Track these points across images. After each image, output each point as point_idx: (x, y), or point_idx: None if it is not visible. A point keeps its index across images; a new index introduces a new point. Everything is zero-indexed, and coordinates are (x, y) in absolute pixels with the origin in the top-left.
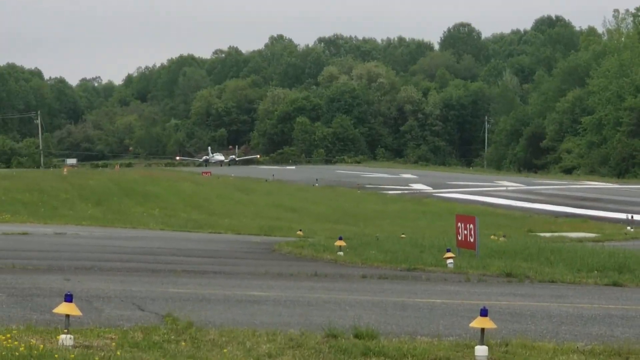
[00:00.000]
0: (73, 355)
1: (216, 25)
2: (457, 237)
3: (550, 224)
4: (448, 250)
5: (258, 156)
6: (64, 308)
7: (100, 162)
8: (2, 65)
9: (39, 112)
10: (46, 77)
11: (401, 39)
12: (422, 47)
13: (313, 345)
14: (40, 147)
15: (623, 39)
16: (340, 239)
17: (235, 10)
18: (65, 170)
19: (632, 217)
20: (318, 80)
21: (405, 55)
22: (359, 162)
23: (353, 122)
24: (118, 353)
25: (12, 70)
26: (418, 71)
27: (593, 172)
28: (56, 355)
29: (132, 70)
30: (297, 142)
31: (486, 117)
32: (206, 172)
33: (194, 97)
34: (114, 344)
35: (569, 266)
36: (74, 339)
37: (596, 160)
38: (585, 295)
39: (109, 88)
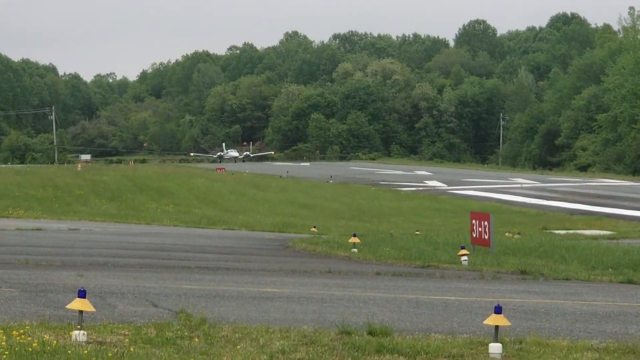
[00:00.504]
0: (86, 351)
1: (231, 22)
2: (471, 234)
3: (565, 221)
4: (462, 248)
5: (272, 152)
6: (77, 304)
7: (114, 158)
8: (16, 60)
9: (53, 108)
10: (60, 72)
11: (416, 36)
12: (437, 44)
13: (326, 342)
14: (55, 143)
15: (639, 36)
16: (354, 235)
17: (250, 7)
18: (79, 166)
19: None
20: (333, 77)
21: (421, 52)
22: (373, 159)
23: (368, 119)
24: (131, 349)
25: (26, 65)
26: (433, 68)
27: (608, 169)
28: (69, 351)
29: (146, 66)
30: (312, 138)
31: (501, 114)
32: (220, 169)
33: (209, 94)
34: (127, 340)
35: (584, 264)
36: (87, 335)
37: (611, 157)
38: (600, 292)
39: (124, 84)
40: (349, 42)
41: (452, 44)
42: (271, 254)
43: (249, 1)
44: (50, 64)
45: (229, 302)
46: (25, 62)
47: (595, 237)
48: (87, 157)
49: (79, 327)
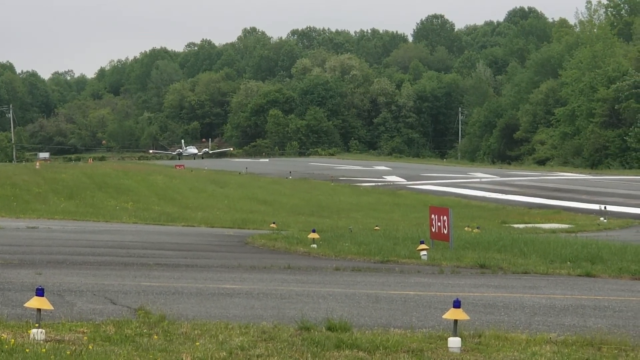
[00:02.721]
0: (44, 350)
1: (189, 19)
2: (430, 229)
3: (524, 215)
4: (422, 242)
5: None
6: (35, 302)
7: (73, 156)
8: None
9: (10, 106)
10: (18, 70)
11: (374, 31)
12: (395, 39)
13: (286, 338)
14: (13, 141)
15: (595, 30)
16: (314, 231)
17: (208, 3)
18: (37, 164)
19: (605, 208)
20: (291, 73)
21: (379, 47)
22: (332, 155)
23: (326, 115)
24: (90, 347)
25: None
26: (391, 63)
27: (566, 163)
28: (27, 350)
29: (104, 63)
30: (271, 134)
31: (460, 109)
32: (179, 165)
33: (167, 91)
34: (85, 337)
35: (542, 257)
36: (46, 333)
37: (569, 151)
38: (558, 286)
39: (82, 82)
40: (307, 37)
41: (410, 39)
42: (230, 251)
43: None
44: (7, 61)
45: (188, 299)
46: None
47: (553, 231)
48: (45, 155)
49: (37, 325)
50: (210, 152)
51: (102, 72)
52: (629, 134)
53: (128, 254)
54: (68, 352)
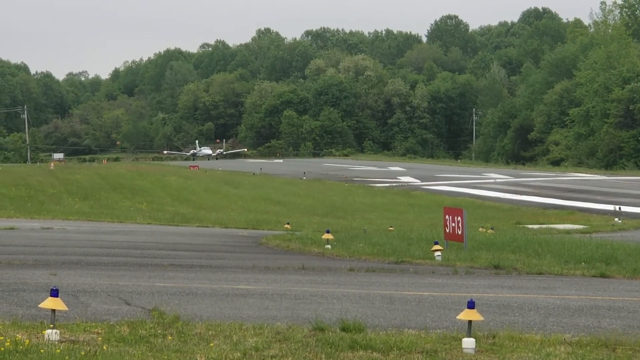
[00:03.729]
0: (59, 350)
1: (203, 19)
2: (445, 230)
3: (538, 215)
4: (436, 243)
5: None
6: (50, 303)
7: (87, 157)
8: None
9: (25, 107)
10: (32, 71)
11: (388, 32)
12: (409, 40)
13: (300, 339)
14: (27, 142)
15: (610, 30)
16: (328, 232)
17: (222, 4)
18: (52, 165)
19: (619, 208)
20: (305, 74)
21: (393, 48)
22: (346, 155)
23: (340, 115)
24: (104, 348)
25: None
26: (405, 64)
27: (581, 163)
28: (42, 350)
29: (119, 64)
30: (285, 135)
31: (474, 110)
32: (194, 166)
33: (181, 91)
34: (100, 338)
35: (557, 258)
36: (60, 333)
37: (584, 152)
38: (573, 286)
39: (96, 82)
40: (321, 38)
41: (424, 39)
42: (244, 251)
43: None
44: (22, 62)
45: (203, 300)
46: None
47: (568, 232)
48: (59, 155)
49: (51, 326)
50: (225, 152)
51: (116, 73)
52: None
53: (142, 254)
54: (82, 353)
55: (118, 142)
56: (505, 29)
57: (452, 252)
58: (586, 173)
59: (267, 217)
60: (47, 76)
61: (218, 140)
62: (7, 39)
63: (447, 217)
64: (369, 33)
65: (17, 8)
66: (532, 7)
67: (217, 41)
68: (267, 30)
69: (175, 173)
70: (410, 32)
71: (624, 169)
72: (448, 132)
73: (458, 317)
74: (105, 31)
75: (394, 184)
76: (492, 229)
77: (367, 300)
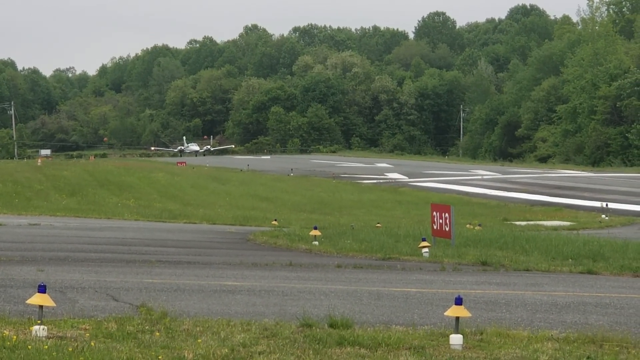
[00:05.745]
0: (47, 346)
1: (190, 15)
2: (432, 226)
3: (526, 212)
4: (423, 239)
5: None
6: (37, 299)
7: (74, 153)
8: None
9: (12, 103)
10: (19, 67)
11: (376, 28)
12: (396, 36)
13: (288, 335)
14: (14, 138)
15: (597, 27)
16: (315, 228)
17: (210, 0)
18: (39, 161)
19: (606, 205)
20: (293, 70)
21: (380, 44)
22: (334, 152)
23: (328, 112)
24: (92, 344)
25: None
26: (393, 60)
27: (568, 160)
28: (29, 347)
29: (106, 60)
30: (272, 131)
31: (461, 106)
32: (181, 162)
33: (169, 88)
34: (87, 334)
35: (544, 254)
36: (48, 329)
37: (571, 148)
38: (560, 283)
39: (83, 78)
40: (308, 35)
41: (411, 36)
42: (232, 248)
43: None
44: (9, 58)
45: (190, 296)
46: None
47: (555, 228)
48: (47, 152)
49: (39, 322)
50: (212, 149)
51: (103, 69)
52: (631, 131)
53: (130, 250)
54: (70, 349)
55: (105, 139)
56: (493, 25)
57: (440, 249)
58: (573, 170)
59: (254, 214)
60: (34, 72)
61: (205, 137)
62: None
63: (434, 213)
64: (356, 30)
65: (3, 4)
66: (520, 4)
67: (204, 37)
68: (255, 26)
69: (162, 169)
70: (398, 29)
71: (611, 165)
72: (435, 129)
73: (445, 313)
74: (92, 27)
75: (381, 181)
76: (479, 225)
77: (354, 296)
